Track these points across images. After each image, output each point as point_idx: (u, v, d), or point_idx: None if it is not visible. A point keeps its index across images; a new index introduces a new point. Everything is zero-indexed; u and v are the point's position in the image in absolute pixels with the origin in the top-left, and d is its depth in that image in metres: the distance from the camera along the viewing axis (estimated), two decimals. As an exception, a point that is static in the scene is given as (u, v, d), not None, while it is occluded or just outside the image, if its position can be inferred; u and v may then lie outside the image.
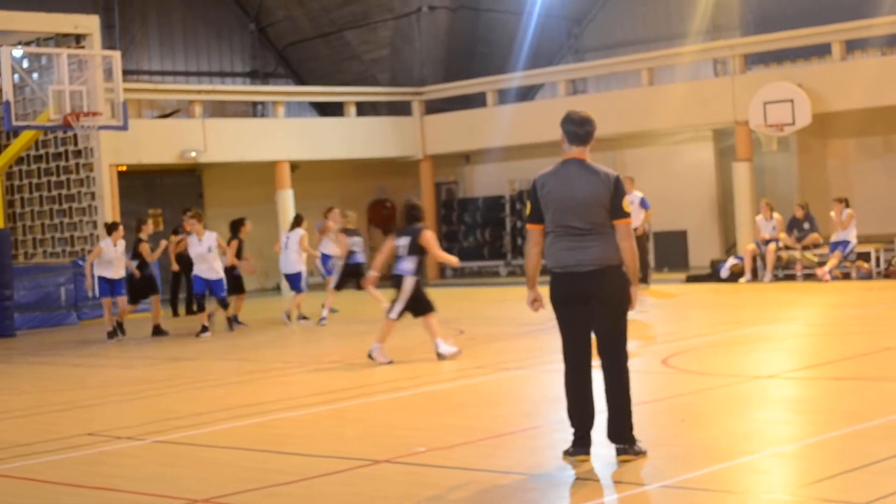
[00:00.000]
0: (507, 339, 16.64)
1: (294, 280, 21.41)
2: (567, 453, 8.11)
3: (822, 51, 28.18)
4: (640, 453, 8.03)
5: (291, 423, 10.69)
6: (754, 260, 24.81)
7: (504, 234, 32.87)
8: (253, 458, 9.01)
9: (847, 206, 23.86)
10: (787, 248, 24.84)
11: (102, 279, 19.75)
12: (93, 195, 25.95)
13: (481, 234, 33.14)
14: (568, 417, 8.18)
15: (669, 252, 29.80)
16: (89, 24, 25.40)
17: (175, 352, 17.75)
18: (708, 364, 13.14)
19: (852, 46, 28.05)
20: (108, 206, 25.93)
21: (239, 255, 20.41)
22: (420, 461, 8.46)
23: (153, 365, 16.32)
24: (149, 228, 20.83)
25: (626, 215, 8.07)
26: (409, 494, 7.48)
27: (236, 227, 20.63)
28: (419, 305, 14.45)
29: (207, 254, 19.45)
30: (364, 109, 33.82)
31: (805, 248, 24.44)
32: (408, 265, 14.28)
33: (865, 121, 28.03)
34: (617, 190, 8.04)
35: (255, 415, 11.10)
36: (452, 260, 15.50)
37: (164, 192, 31.64)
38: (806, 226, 24.70)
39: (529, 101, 33.39)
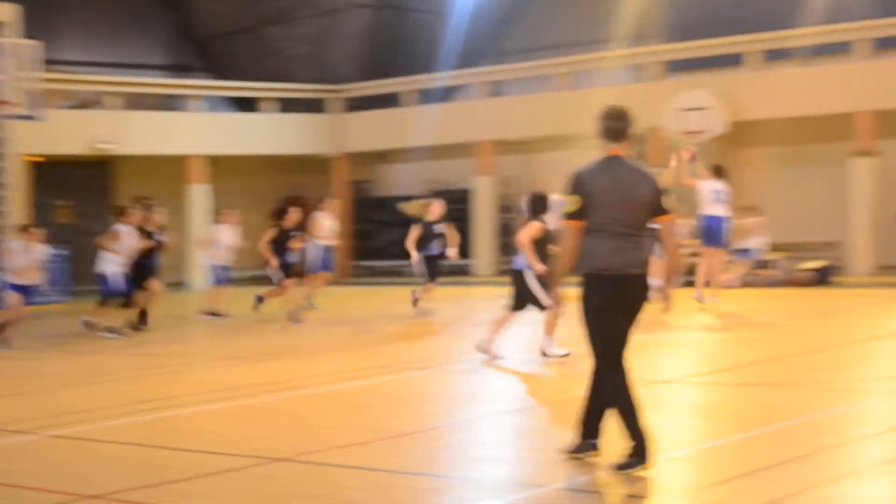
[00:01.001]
0: (415, 339, 16.62)
1: (219, 273, 21.21)
2: (624, 468, 7.53)
3: (740, 60, 28.51)
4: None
5: (191, 418, 10.58)
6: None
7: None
8: (147, 454, 8.89)
9: (756, 214, 24.13)
10: (694, 254, 25.02)
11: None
12: (1, 185, 25.57)
13: (395, 233, 33.12)
14: (631, 426, 7.62)
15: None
16: (6, 12, 24.99)
17: (79, 346, 17.49)
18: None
19: (773, 56, 28.41)
20: (18, 198, 25.55)
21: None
22: (318, 460, 8.41)
23: (52, 359, 16.07)
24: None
25: (667, 212, 7.80)
26: (303, 493, 7.43)
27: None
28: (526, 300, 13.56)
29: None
30: (288, 107, 33.65)
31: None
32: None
33: (780, 130, 28.38)
34: (660, 188, 7.78)
35: (154, 410, 10.97)
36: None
37: (76, 184, 31.25)
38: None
39: (447, 102, 33.39)
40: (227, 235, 21.35)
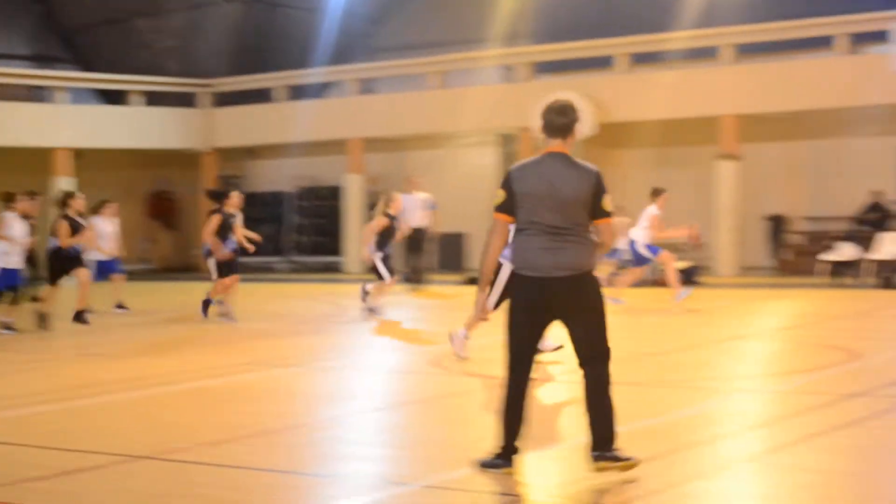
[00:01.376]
0: (282, 336, 16.51)
1: (109, 266, 20.77)
2: (488, 465, 7.51)
3: (610, 63, 28.89)
4: (622, 460, 7.40)
5: (54, 415, 10.36)
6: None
7: (285, 230, 32.69)
8: (5, 452, 8.68)
9: (624, 214, 24.42)
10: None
11: None
12: None
13: (265, 228, 32.86)
14: (503, 429, 7.50)
15: (449, 254, 30.08)
16: None
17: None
18: (476, 365, 13.24)
19: (642, 60, 28.83)
20: None
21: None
22: (181, 458, 8.29)
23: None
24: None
25: (608, 215, 7.47)
26: (164, 492, 7.32)
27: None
28: None
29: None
30: (156, 100, 33.20)
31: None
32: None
33: (648, 133, 28.81)
34: (599, 187, 7.41)
35: (13, 407, 10.73)
36: None
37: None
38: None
39: (318, 99, 33.27)
40: (105, 227, 20.91)
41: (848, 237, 25.27)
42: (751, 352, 14.43)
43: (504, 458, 7.50)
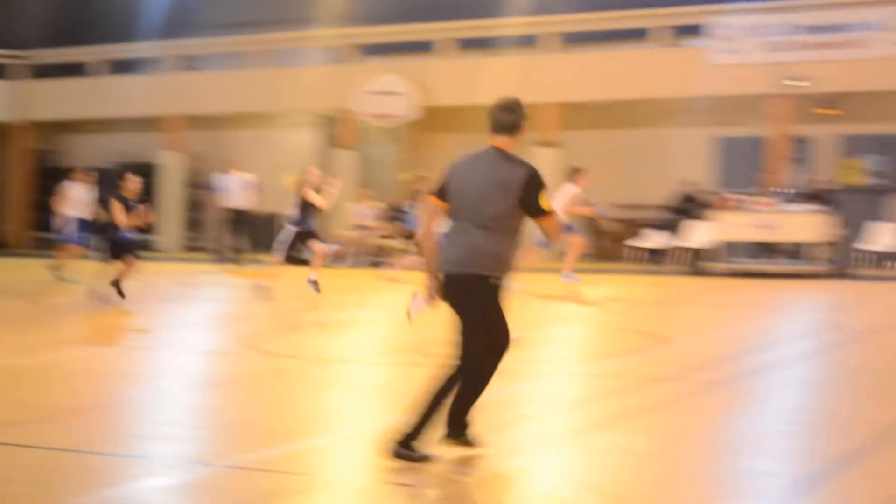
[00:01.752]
0: (93, 315, 16.16)
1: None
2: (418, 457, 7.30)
3: (435, 47, 28.97)
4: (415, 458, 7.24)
5: None
6: (351, 246, 25.26)
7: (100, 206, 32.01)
8: None
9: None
10: (384, 236, 25.39)
11: None
12: None
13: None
14: (421, 421, 7.33)
15: (268, 235, 29.80)
16: None
17: None
18: (293, 347, 13.18)
19: (467, 45, 29.00)
20: None
21: None
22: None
23: None
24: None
25: (545, 213, 7.18)
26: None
27: None
28: None
29: None
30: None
31: (407, 236, 25.01)
32: None
33: (471, 118, 28.97)
34: (530, 185, 7.14)
35: None
36: None
37: None
38: (408, 215, 25.31)
39: (140, 74, 32.61)
40: None
41: (660, 225, 25.85)
42: (561, 336, 14.65)
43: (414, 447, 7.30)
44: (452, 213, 7.35)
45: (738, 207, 23.17)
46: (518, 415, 9.01)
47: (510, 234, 7.25)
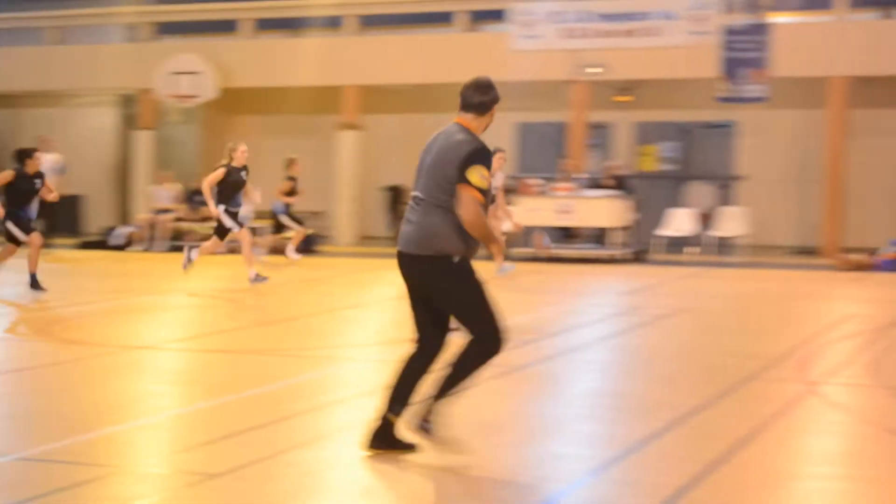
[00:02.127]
0: None
1: None
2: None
3: (235, 27, 28.60)
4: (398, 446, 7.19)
5: None
6: (149, 229, 24.78)
7: None
8: None
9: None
10: (182, 219, 24.96)
11: None
12: None
13: None
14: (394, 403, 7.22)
15: (65, 217, 29.01)
16: None
17: None
18: (88, 333, 12.81)
19: (267, 26, 28.68)
20: None
21: None
22: None
23: None
24: None
25: (469, 184, 6.89)
26: None
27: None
28: None
29: None
30: None
31: (203, 219, 24.62)
32: None
33: (271, 99, 28.72)
34: (468, 157, 6.94)
35: None
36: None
37: None
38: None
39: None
40: None
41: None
42: (364, 321, 14.60)
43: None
44: (414, 191, 7.21)
45: (539, 193, 23.45)
46: (319, 402, 8.92)
47: (442, 214, 7.00)
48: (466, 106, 7.34)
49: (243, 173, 17.40)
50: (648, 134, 27.57)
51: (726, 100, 24.67)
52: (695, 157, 27.28)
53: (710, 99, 24.90)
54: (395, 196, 28.50)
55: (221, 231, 17.29)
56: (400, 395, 7.18)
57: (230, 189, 17.21)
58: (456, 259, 7.00)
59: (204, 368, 10.80)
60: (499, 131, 28.05)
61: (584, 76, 25.13)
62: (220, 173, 17.11)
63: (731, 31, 24.28)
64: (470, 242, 7.03)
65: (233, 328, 13.31)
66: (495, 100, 7.40)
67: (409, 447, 7.15)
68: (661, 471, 6.98)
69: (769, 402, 9.12)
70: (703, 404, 8.90)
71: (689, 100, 26.55)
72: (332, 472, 6.96)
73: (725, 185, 26.71)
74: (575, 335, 13.03)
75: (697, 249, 24.46)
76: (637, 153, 27.62)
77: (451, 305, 7.14)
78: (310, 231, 23.56)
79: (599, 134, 27.36)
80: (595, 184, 23.97)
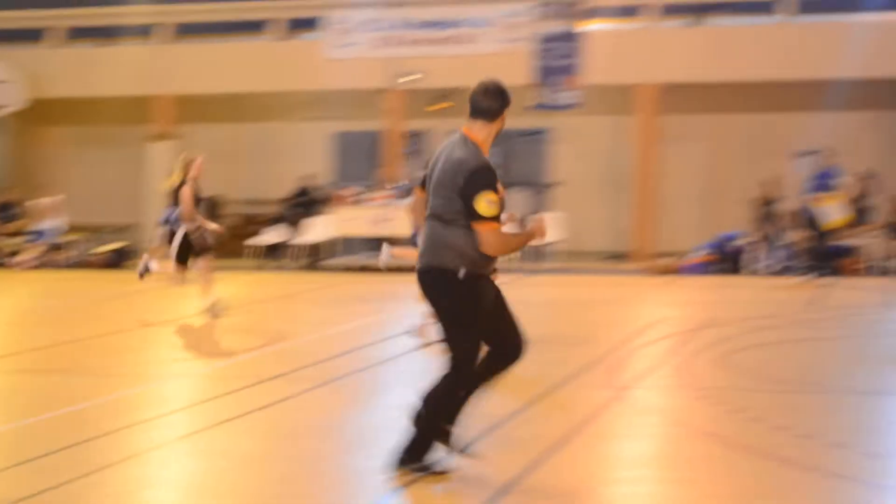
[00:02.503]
0: None
1: None
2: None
3: (42, 35, 27.89)
4: (428, 471, 7.05)
5: None
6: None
7: None
8: None
9: (53, 194, 23.73)
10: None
11: None
12: None
13: None
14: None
15: None
16: None
17: None
18: None
19: (82, 34, 28.03)
20: None
21: None
22: None
23: None
24: None
25: (483, 219, 6.64)
26: None
27: None
28: None
29: None
30: None
31: (10, 234, 23.97)
32: None
33: (80, 110, 28.06)
34: (469, 182, 6.68)
35: None
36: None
37: None
38: (14, 211, 24.27)
39: None
40: None
41: (278, 220, 25.77)
42: (176, 336, 14.30)
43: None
44: (428, 203, 6.99)
45: (354, 202, 23.37)
46: (130, 420, 8.69)
47: (455, 230, 6.78)
48: (475, 112, 7.04)
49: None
50: (465, 141, 27.69)
51: (540, 107, 24.97)
52: (510, 164, 27.52)
53: (524, 106, 25.17)
54: (212, 206, 28.09)
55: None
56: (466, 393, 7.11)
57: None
58: (461, 274, 6.77)
59: (3, 390, 10.44)
60: (314, 141, 27.97)
61: (400, 84, 25.16)
62: (190, 190, 15.19)
63: (544, 39, 24.60)
64: (480, 260, 6.81)
65: (33, 347, 12.90)
66: (506, 105, 7.10)
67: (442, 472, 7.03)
68: (470, 480, 6.96)
69: (579, 408, 9.22)
70: (513, 412, 8.94)
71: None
72: (144, 493, 6.79)
73: (541, 191, 27.01)
74: (390, 346, 12.98)
75: (515, 256, 24.68)
76: (453, 161, 27.71)
77: (442, 320, 6.93)
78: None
79: (416, 142, 27.41)
80: (412, 192, 23.96)
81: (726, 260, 21.94)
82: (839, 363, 11.64)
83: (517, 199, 26.91)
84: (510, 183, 27.25)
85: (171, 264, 15.32)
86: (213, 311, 15.22)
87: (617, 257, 24.86)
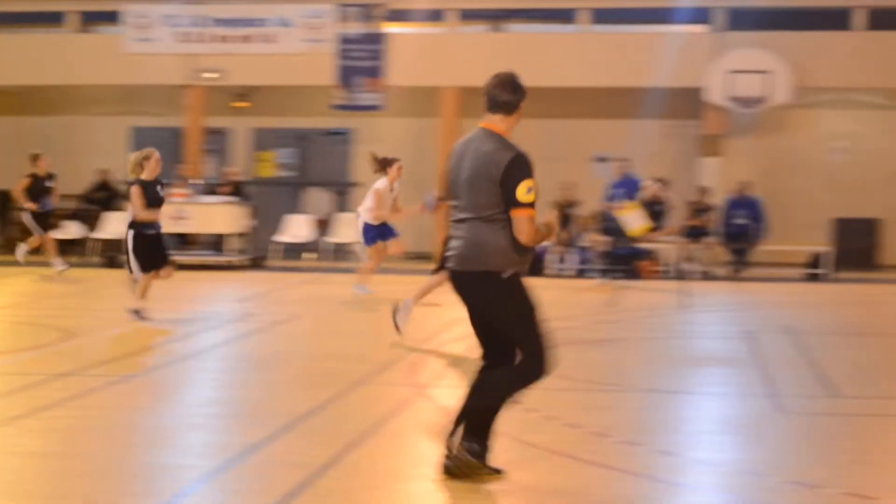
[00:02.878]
0: None
1: None
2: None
3: None
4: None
5: None
6: None
7: None
8: None
9: None
10: None
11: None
12: None
13: None
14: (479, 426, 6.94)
15: None
16: None
17: None
18: None
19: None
20: None
21: None
22: None
23: None
24: None
25: (522, 205, 6.60)
26: None
27: None
28: None
29: None
30: None
31: None
32: None
33: None
34: (509, 172, 6.59)
35: None
36: None
37: None
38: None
39: None
40: None
41: (75, 215, 25.17)
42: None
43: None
44: (455, 205, 6.89)
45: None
46: None
47: (489, 228, 6.72)
48: (494, 106, 6.94)
49: (159, 187, 14.55)
50: (266, 140, 27.53)
51: (342, 107, 24.97)
52: (312, 164, 27.46)
53: (326, 106, 25.14)
54: (4, 202, 27.25)
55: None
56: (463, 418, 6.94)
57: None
58: (506, 275, 6.73)
59: None
60: (112, 134, 27.39)
61: (200, 81, 24.83)
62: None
63: (346, 40, 24.61)
64: (522, 255, 6.80)
65: None
66: (523, 97, 6.98)
67: (494, 471, 6.91)
68: (269, 477, 6.91)
69: (379, 405, 9.23)
70: (313, 409, 8.90)
71: (307, 107, 26.68)
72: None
73: (342, 191, 26.98)
74: (189, 342, 12.80)
75: (315, 255, 24.61)
76: (255, 159, 27.54)
77: (502, 322, 6.87)
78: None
79: (217, 139, 27.10)
80: (212, 190, 23.73)
81: (525, 262, 22.25)
82: (634, 363, 11.92)
83: (318, 199, 26.89)
84: (310, 183, 27.23)
85: None
86: None
87: (421, 258, 24.98)
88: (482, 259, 6.74)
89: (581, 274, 21.46)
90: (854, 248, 24.24)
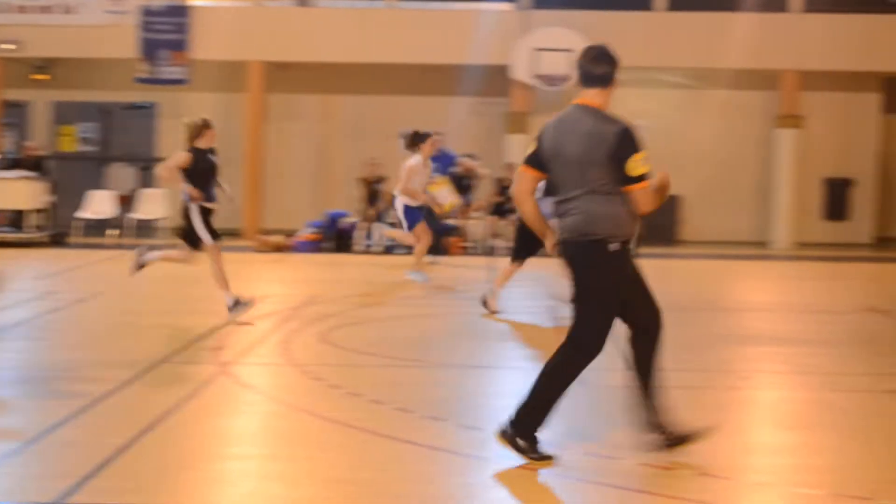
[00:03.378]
0: None
1: None
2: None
3: None
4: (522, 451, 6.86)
5: None
6: None
7: None
8: None
9: None
10: None
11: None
12: None
13: None
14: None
15: None
16: None
17: None
18: None
19: None
20: None
21: None
22: None
23: None
24: None
25: (635, 180, 6.53)
26: None
27: None
28: None
29: None
30: None
31: None
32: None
33: None
34: (620, 146, 6.51)
35: None
36: None
37: None
38: None
39: None
40: None
41: None
42: None
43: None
44: (556, 183, 6.77)
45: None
46: None
47: (597, 204, 6.66)
48: (589, 80, 6.79)
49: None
50: (67, 114, 26.83)
51: (145, 81, 24.50)
52: (115, 139, 26.88)
53: (130, 80, 24.63)
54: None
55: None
56: (642, 383, 7.00)
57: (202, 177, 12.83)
58: (612, 246, 6.67)
59: None
60: None
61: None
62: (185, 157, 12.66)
63: (149, 13, 24.13)
64: (630, 227, 6.75)
65: None
66: (617, 68, 6.81)
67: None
68: (63, 461, 6.76)
69: (182, 384, 9.09)
70: (112, 390, 8.72)
71: (109, 80, 26.09)
72: None
73: (146, 167, 26.47)
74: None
75: (118, 232, 24.12)
76: (55, 133, 26.82)
77: (579, 293, 6.75)
78: None
79: (15, 113, 26.31)
80: (10, 164, 23.06)
81: (335, 238, 22.23)
82: (440, 338, 11.99)
83: (122, 175, 26.36)
84: (113, 158, 26.65)
85: None
86: None
87: (229, 234, 24.69)
88: (592, 227, 6.68)
89: (388, 250, 21.50)
90: (656, 225, 24.83)
